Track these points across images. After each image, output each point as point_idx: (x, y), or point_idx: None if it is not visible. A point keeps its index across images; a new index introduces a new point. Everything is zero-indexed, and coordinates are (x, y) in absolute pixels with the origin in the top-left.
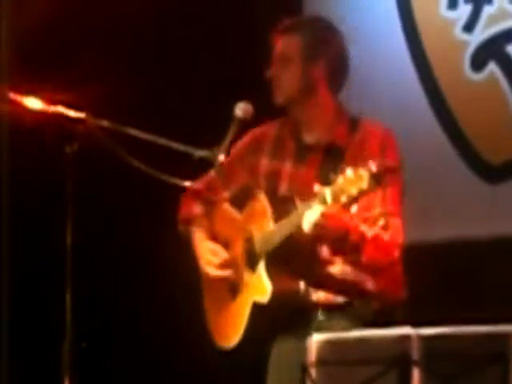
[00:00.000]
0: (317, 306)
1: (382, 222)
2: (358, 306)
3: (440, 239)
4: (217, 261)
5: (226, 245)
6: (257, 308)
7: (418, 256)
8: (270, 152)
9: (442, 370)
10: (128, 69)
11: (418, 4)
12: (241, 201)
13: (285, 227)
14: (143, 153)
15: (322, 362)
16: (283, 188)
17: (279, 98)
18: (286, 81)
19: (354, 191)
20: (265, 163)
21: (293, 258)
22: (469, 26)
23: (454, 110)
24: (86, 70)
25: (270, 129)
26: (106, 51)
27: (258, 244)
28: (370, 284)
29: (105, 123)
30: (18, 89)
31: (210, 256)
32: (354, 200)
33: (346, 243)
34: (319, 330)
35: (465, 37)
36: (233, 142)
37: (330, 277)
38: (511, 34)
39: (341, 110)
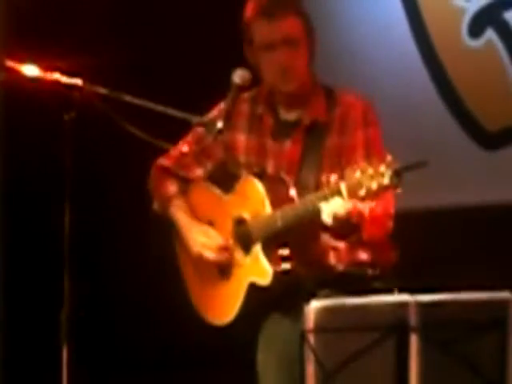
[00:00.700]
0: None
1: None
2: (349, 272)
3: (439, 206)
4: (213, 244)
5: (210, 224)
6: (255, 289)
7: (417, 222)
8: (246, 128)
9: (440, 336)
10: (126, 35)
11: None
12: (218, 177)
13: (291, 214)
14: (140, 119)
15: (320, 328)
16: (270, 166)
17: (291, 85)
18: (297, 66)
19: (374, 186)
20: (242, 139)
21: (293, 244)
22: None
23: (452, 77)
24: (82, 36)
25: (240, 103)
26: (103, 18)
27: (255, 227)
28: (370, 271)
29: (102, 90)
30: (14, 56)
31: (203, 239)
32: (373, 195)
33: (349, 227)
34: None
35: (463, 3)
36: (231, 108)
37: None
38: (509, 0)
39: (316, 83)
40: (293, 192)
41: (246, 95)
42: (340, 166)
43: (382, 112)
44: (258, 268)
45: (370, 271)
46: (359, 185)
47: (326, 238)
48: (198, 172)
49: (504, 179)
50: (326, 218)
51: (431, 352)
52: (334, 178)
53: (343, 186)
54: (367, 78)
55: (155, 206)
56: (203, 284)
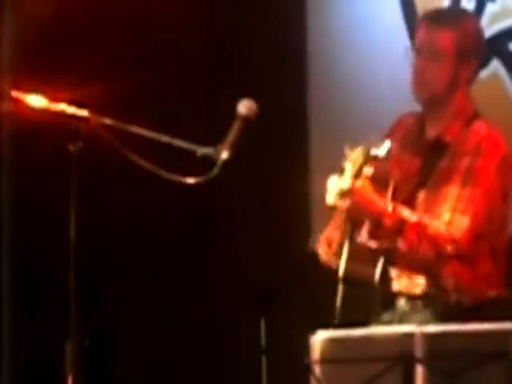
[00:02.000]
0: (399, 294)
1: (446, 216)
2: (436, 297)
3: None
4: None
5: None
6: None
7: None
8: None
9: (446, 367)
10: (132, 67)
11: (421, 3)
12: None
13: None
14: (147, 151)
15: (325, 359)
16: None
17: (423, 94)
18: (433, 76)
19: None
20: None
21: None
22: None
23: None
24: (89, 67)
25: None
26: (110, 49)
27: None
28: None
29: (108, 121)
30: (21, 87)
31: None
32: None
33: (381, 226)
34: (403, 320)
35: None
36: (237, 139)
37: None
38: None
39: (462, 107)
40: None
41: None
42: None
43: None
44: None
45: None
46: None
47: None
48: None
49: None
50: (329, 199)
51: (437, 383)
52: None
53: (348, 166)
54: (370, 95)
55: None
56: None
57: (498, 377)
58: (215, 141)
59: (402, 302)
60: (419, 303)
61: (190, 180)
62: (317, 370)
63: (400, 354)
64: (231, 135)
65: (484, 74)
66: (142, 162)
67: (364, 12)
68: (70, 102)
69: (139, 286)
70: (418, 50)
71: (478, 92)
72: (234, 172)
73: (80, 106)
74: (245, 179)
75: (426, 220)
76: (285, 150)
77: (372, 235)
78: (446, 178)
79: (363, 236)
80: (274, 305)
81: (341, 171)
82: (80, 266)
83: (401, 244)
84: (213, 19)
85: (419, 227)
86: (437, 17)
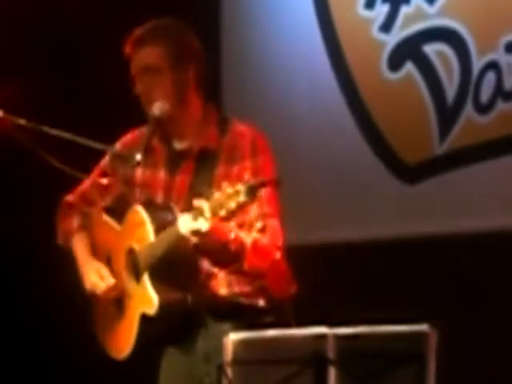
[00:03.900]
0: (204, 313)
1: (259, 224)
2: (246, 304)
3: (355, 239)
4: (103, 285)
5: (109, 258)
6: (146, 320)
7: (331, 255)
8: (143, 162)
9: (358, 369)
10: (46, 67)
11: (335, 3)
12: (118, 210)
13: (165, 239)
14: (59, 151)
15: (237, 361)
16: (159, 197)
17: (155, 113)
18: (158, 93)
19: (232, 205)
20: (139, 173)
21: (176, 271)
22: (386, 26)
23: (372, 110)
24: (2, 67)
25: (137, 138)
26: (23, 48)
27: (141, 256)
28: (261, 302)
29: (22, 121)
30: None
31: (95, 278)
32: (232, 213)
33: (227, 254)
34: (208, 336)
35: (382, 36)
36: (150, 140)
37: (218, 296)
38: (428, 34)
39: (209, 113)
40: None
41: (144, 129)
42: None
43: (298, 139)
44: (146, 297)
45: (261, 302)
46: (220, 205)
47: (206, 266)
48: (100, 206)
49: (422, 212)
50: (183, 230)
51: None
52: (196, 201)
53: (206, 207)
54: (283, 104)
55: (59, 240)
56: (103, 319)
57: (410, 379)
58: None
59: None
60: (225, 312)
61: (104, 181)
62: (229, 371)
63: (312, 356)
64: (145, 136)
65: (398, 75)
66: (54, 161)
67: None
68: None
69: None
70: (135, 73)
71: (392, 94)
72: None
73: None
74: None
75: (258, 236)
76: None
77: (216, 264)
78: (233, 184)
79: (206, 266)
80: None
81: (195, 210)
82: None
83: (245, 265)
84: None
85: (255, 246)
86: (143, 36)
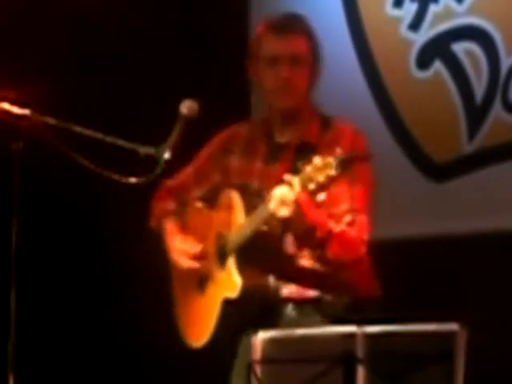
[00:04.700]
0: (287, 300)
1: (348, 218)
2: (330, 301)
3: (389, 237)
4: (190, 251)
5: (199, 241)
6: (227, 304)
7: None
8: (241, 153)
9: (387, 368)
10: (75, 66)
11: (363, 2)
12: (211, 200)
13: (254, 219)
14: (89, 150)
15: (267, 359)
16: (254, 185)
17: (290, 102)
18: (298, 84)
19: (321, 178)
20: (236, 165)
21: (261, 252)
22: (414, 25)
23: (400, 109)
24: (31, 66)
25: (240, 130)
26: (52, 48)
27: (229, 239)
28: (343, 275)
29: (50, 120)
30: None
31: (182, 246)
32: (322, 187)
33: (313, 238)
34: (289, 325)
35: (411, 35)
36: (179, 139)
37: (301, 270)
38: (457, 32)
39: (313, 108)
40: None
41: (245, 122)
42: None
43: None
44: (229, 281)
45: (343, 298)
46: (309, 179)
47: (290, 247)
48: (195, 194)
49: (450, 211)
50: (271, 205)
51: None
52: (286, 176)
53: (296, 180)
54: None
55: (152, 222)
56: (184, 300)
57: (439, 378)
58: (157, 141)
59: (289, 308)
60: (308, 308)
61: (133, 180)
62: (258, 369)
63: (341, 355)
64: (173, 135)
65: (427, 74)
66: (85, 162)
67: (307, 6)
68: (12, 101)
69: (80, 286)
70: (275, 58)
71: (421, 92)
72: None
73: (23, 105)
74: None
75: (346, 228)
76: None
77: (301, 247)
78: None
79: (291, 249)
80: None
81: (289, 184)
82: (21, 267)
83: (328, 253)
84: (155, 16)
85: (342, 237)
86: (285, 26)
